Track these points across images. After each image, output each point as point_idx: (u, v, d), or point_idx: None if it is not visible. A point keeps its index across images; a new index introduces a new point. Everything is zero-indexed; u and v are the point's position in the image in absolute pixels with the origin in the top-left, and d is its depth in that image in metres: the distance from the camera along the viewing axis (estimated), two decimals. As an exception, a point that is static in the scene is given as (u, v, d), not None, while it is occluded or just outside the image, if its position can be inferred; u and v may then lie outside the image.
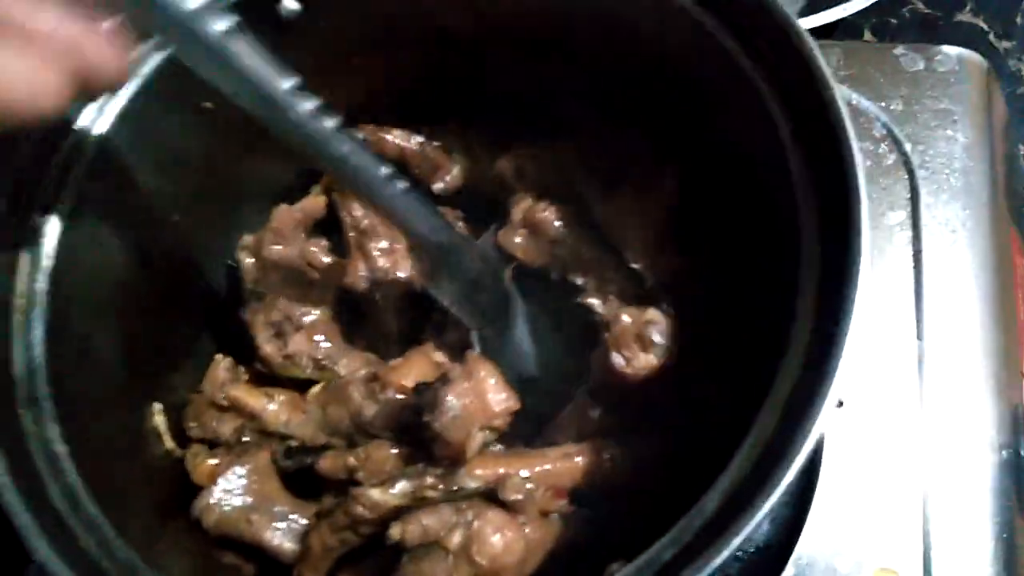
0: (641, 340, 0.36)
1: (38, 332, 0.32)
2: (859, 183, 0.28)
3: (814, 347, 0.28)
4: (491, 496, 0.34)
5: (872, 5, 0.64)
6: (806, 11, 0.67)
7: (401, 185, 0.33)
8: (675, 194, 0.39)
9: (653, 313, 0.36)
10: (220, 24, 0.27)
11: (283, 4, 0.38)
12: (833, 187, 0.29)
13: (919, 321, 0.48)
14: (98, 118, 0.35)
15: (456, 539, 0.32)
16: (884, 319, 0.48)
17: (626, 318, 0.36)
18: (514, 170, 0.44)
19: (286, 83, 0.29)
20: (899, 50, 0.57)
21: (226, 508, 0.35)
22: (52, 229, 0.33)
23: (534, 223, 0.42)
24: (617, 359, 0.36)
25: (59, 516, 0.28)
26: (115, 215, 0.36)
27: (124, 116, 0.36)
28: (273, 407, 0.39)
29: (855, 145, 0.28)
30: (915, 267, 0.50)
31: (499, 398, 0.35)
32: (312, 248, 0.43)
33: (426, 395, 0.35)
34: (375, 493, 0.33)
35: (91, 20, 0.26)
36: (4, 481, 0.27)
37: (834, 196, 0.29)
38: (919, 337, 0.48)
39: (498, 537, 0.32)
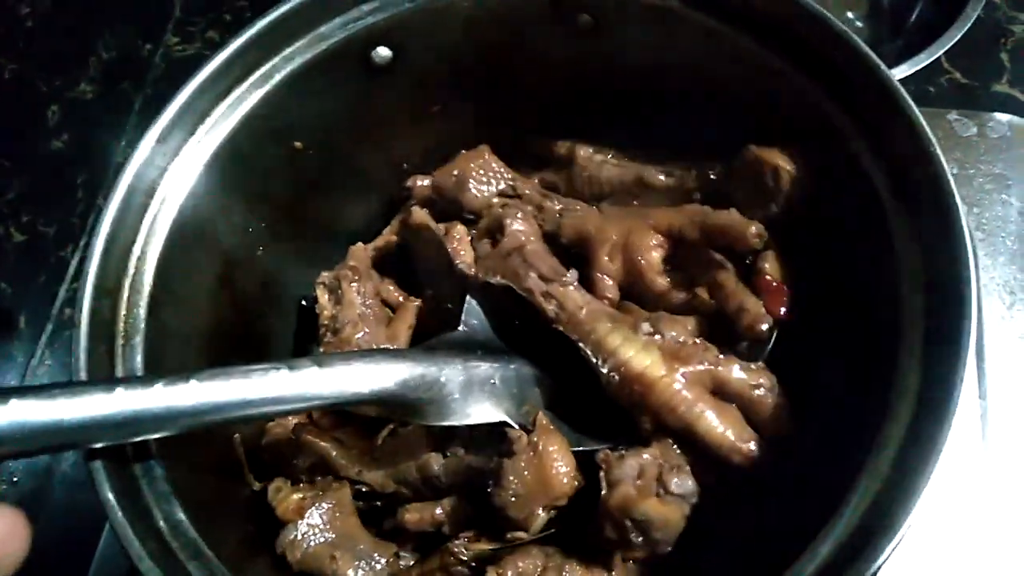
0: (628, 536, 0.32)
1: (138, 359, 0.32)
2: (967, 246, 0.28)
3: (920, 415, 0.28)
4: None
5: (912, 73, 0.65)
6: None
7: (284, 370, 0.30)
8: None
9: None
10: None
11: (377, 51, 0.40)
12: (937, 244, 0.30)
13: (981, 381, 0.49)
14: (196, 152, 0.36)
15: (547, 585, 0.31)
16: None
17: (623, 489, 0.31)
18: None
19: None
20: (952, 115, 0.58)
21: (311, 544, 0.35)
22: (151, 259, 0.34)
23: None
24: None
25: (166, 543, 0.28)
26: (206, 247, 0.37)
27: (220, 151, 0.37)
28: (343, 455, 0.38)
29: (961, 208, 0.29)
30: (976, 329, 0.50)
31: (563, 474, 0.33)
32: (387, 286, 0.44)
33: (492, 461, 0.34)
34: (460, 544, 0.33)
35: None
36: (111, 504, 0.27)
37: (938, 255, 0.29)
38: (982, 396, 0.48)
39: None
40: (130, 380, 0.28)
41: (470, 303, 0.39)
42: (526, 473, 0.32)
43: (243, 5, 0.82)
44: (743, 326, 0.35)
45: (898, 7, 0.83)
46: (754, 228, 0.35)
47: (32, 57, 0.65)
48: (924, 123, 0.30)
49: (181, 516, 0.30)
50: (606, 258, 0.38)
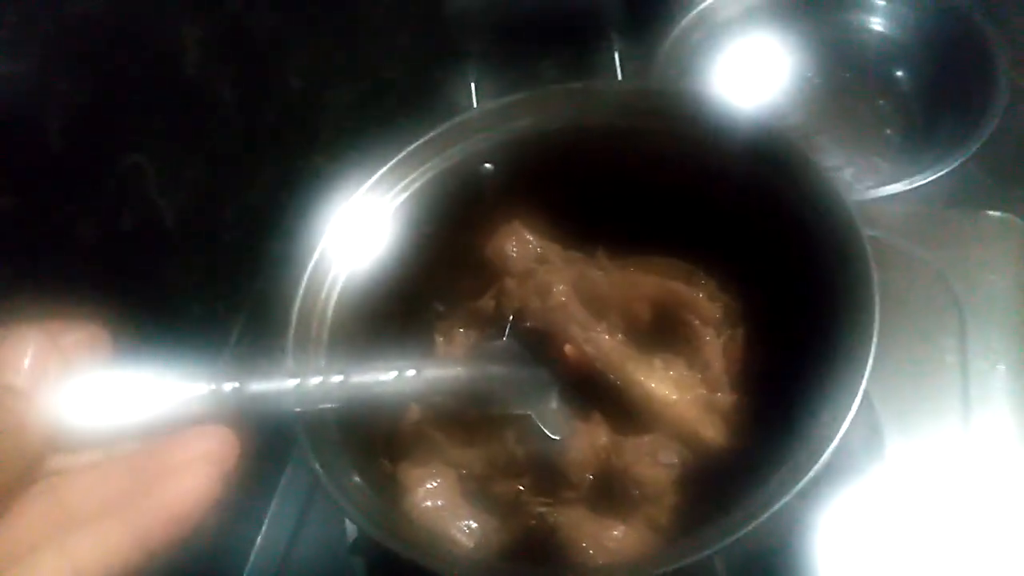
0: None
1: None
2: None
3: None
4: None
5: (946, 180, 0.77)
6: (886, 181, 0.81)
7: (410, 371, 0.42)
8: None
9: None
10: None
11: (484, 166, 0.57)
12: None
13: (966, 425, 0.59)
14: (360, 236, 0.53)
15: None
16: (935, 424, 0.59)
17: None
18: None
19: (288, 383, 0.37)
20: (952, 213, 0.70)
21: (425, 507, 0.49)
22: (329, 313, 0.50)
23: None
24: None
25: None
26: (363, 305, 0.53)
27: (376, 236, 0.54)
28: (449, 444, 0.52)
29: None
30: (963, 384, 0.61)
31: (603, 451, 0.48)
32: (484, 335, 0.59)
33: (558, 444, 0.49)
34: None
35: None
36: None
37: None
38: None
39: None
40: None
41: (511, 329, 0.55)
42: (580, 450, 0.48)
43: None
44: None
45: (929, 124, 0.97)
46: (717, 315, 0.52)
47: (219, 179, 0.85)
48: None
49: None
50: (613, 317, 0.55)
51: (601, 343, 0.51)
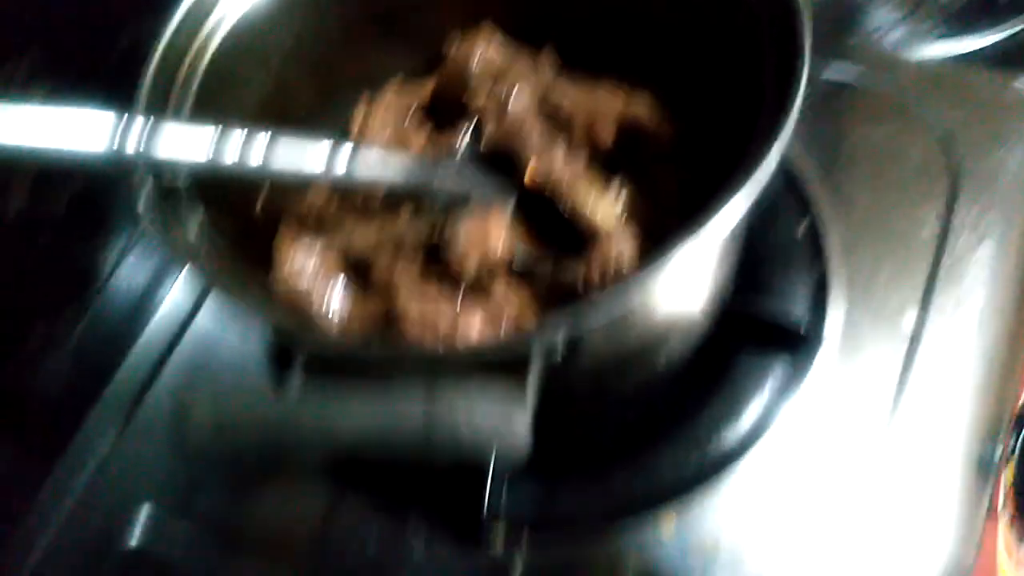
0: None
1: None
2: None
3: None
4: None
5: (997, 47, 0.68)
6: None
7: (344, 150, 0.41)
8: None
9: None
10: None
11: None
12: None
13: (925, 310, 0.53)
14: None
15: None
16: (889, 304, 0.53)
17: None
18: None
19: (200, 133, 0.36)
20: (977, 79, 0.61)
21: (293, 283, 0.46)
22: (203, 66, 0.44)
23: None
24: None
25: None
26: (258, 61, 0.47)
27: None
28: (342, 212, 0.49)
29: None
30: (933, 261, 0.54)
31: (495, 237, 0.45)
32: (411, 117, 0.54)
33: (450, 219, 0.46)
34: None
35: None
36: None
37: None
38: (924, 308, 0.53)
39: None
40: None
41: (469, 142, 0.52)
42: (471, 227, 0.45)
43: None
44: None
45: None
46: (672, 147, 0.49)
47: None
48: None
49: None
50: (576, 135, 0.51)
51: (553, 165, 0.49)
